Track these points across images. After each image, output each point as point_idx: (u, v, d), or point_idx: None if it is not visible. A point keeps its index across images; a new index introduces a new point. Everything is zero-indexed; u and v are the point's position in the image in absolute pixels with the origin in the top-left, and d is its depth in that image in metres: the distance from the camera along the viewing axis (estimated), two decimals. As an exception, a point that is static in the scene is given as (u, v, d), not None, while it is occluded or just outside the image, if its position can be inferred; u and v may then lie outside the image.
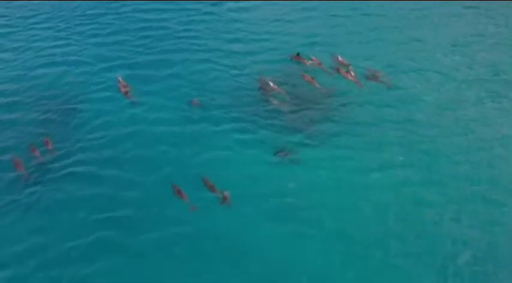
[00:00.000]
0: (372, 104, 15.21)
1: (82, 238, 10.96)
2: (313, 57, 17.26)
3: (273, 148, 13.34)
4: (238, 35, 19.75)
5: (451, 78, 16.50)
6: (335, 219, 11.36)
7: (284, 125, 14.34)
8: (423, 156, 13.18)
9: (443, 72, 16.84)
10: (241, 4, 22.56)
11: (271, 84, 15.89)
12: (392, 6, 21.96)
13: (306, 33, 19.78)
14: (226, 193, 11.68)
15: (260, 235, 11.03)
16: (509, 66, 17.09)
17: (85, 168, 12.94)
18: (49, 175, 12.69)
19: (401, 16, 21.14)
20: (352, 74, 16.19)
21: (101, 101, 15.57)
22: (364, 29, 19.90)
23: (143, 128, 14.30)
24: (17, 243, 10.88)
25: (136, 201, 11.91)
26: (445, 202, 11.79)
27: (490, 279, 10.13)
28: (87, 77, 16.98)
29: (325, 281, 10.18)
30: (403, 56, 17.79)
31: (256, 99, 15.61)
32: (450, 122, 14.43)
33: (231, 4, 22.63)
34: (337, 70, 16.53)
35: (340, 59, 17.11)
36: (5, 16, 21.92)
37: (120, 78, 16.30)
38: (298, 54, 17.54)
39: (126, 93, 15.65)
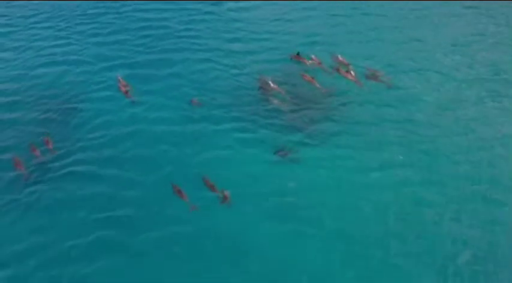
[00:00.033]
0: (372, 103, 15.22)
1: (82, 237, 10.96)
2: (313, 57, 17.27)
3: (273, 148, 13.35)
4: (238, 35, 19.77)
5: (451, 78, 16.51)
6: (335, 218, 11.37)
7: (284, 124, 14.35)
8: (423, 155, 13.19)
9: (444, 71, 16.85)
10: (242, 4, 22.58)
11: (271, 83, 15.89)
12: (392, 6, 21.98)
13: (306, 32, 19.79)
14: (227, 193, 11.69)
15: (260, 235, 11.03)
16: (510, 66, 17.09)
17: (85, 167, 12.94)
18: (49, 174, 12.70)
19: (401, 16, 21.16)
20: (352, 73, 16.20)
21: (102, 101, 15.58)
22: (364, 29, 19.92)
23: (143, 127, 14.31)
24: (17, 243, 10.89)
25: (137, 201, 11.92)
26: (445, 202, 11.80)
27: (491, 279, 10.12)
28: (87, 76, 17.00)
29: (325, 280, 10.17)
30: (403, 56, 17.80)
31: (256, 99, 15.62)
32: (450, 122, 14.44)
33: (231, 4, 22.65)
34: (337, 69, 16.54)
35: (340, 58, 17.12)
36: (5, 16, 21.93)
37: (120, 78, 16.30)
38: (298, 54, 17.55)
39: (126, 92, 15.66)
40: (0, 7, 22.76)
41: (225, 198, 11.64)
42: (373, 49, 18.31)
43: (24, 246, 10.78)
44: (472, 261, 10.42)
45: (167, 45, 18.97)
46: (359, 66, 16.69)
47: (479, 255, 10.55)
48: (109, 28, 20.46)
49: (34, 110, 15.25)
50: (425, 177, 12.50)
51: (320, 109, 14.97)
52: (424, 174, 12.60)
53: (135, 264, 10.43)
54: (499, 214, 11.52)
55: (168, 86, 16.23)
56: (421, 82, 16.29)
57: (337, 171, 12.68)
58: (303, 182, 12.33)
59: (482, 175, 12.61)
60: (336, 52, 17.47)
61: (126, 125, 14.43)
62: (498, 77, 16.52)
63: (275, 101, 15.24)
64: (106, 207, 11.75)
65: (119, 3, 22.70)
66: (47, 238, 10.96)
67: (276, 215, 11.47)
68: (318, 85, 15.77)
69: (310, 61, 17.22)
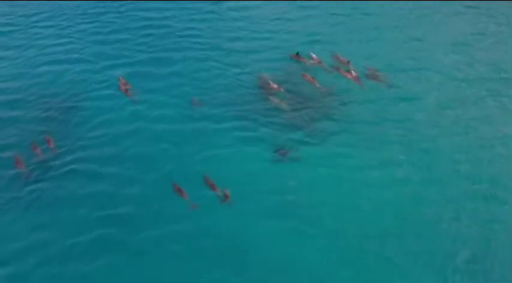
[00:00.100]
0: (372, 102, 15.25)
1: (83, 235, 11.01)
2: (313, 56, 17.29)
3: (274, 146, 13.38)
4: (238, 34, 19.80)
5: (452, 77, 16.54)
6: (335, 217, 11.40)
7: (284, 123, 14.38)
8: (423, 154, 13.22)
9: (444, 71, 16.87)
10: (242, 3, 22.61)
11: (272, 82, 15.92)
12: (392, 5, 22.01)
13: (306, 31, 19.82)
14: (227, 192, 11.71)
15: (260, 233, 11.06)
16: (510, 65, 17.13)
17: (86, 165, 12.98)
18: (50, 172, 12.73)
19: (402, 15, 21.20)
20: (353, 72, 16.22)
21: (102, 99, 15.62)
22: (364, 28, 19.95)
23: (144, 126, 14.35)
24: (18, 241, 10.93)
25: (137, 199, 11.96)
26: (445, 201, 11.84)
27: (490, 278, 10.16)
28: (88, 75, 17.04)
29: (325, 279, 10.20)
30: (403, 55, 17.83)
31: (256, 98, 15.64)
32: (450, 121, 14.47)
33: (231, 3, 22.68)
34: (337, 69, 16.57)
35: (340, 57, 17.14)
36: (7, 15, 21.96)
37: (120, 77, 16.34)
38: (297, 54, 17.57)
39: (127, 91, 15.69)
40: (2, 6, 22.79)
41: (225, 197, 11.67)
42: (373, 48, 18.34)
43: (25, 244, 10.82)
44: (471, 259, 10.47)
45: (168, 44, 19.01)
46: (359, 65, 16.70)
47: (478, 253, 10.59)
48: (110, 27, 20.51)
49: (35, 108, 15.29)
50: (425, 176, 12.54)
51: (320, 108, 15.00)
52: (424, 173, 12.64)
53: (136, 263, 10.47)
54: (499, 213, 11.56)
55: (168, 84, 16.27)
56: (421, 81, 16.31)
57: (337, 170, 12.71)
58: (303, 181, 12.37)
59: (482, 174, 12.65)
60: (336, 51, 17.50)
61: (126, 123, 14.47)
62: (498, 76, 16.55)
63: (275, 100, 15.26)
64: (106, 205, 11.80)
65: (119, 2, 22.75)
66: (47, 236, 11.00)
67: (276, 214, 11.51)
68: (318, 84, 15.79)
69: (310, 60, 17.24)
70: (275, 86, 15.80)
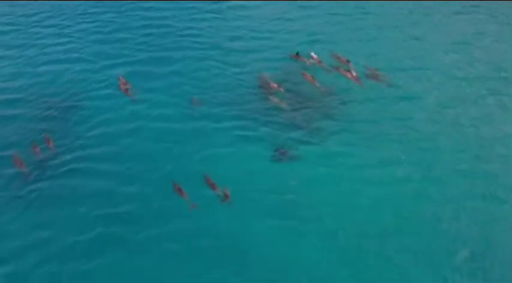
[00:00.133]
0: (372, 102, 15.25)
1: (82, 234, 11.01)
2: (313, 55, 17.29)
3: (273, 146, 13.38)
4: (238, 33, 19.82)
5: (452, 76, 16.54)
6: (335, 216, 11.39)
7: (284, 123, 14.38)
8: (423, 153, 13.21)
9: (444, 70, 16.88)
10: (242, 3, 22.63)
11: (272, 82, 15.92)
12: (392, 5, 22.04)
13: (306, 31, 19.83)
14: (227, 191, 11.71)
15: (260, 233, 11.06)
16: (510, 64, 17.12)
17: (86, 165, 12.99)
18: (50, 172, 12.74)
19: (402, 15, 21.21)
20: (353, 72, 16.22)
21: (102, 99, 15.63)
22: (364, 28, 19.97)
23: (144, 125, 14.35)
24: (18, 239, 10.93)
25: (137, 198, 11.95)
26: (445, 200, 11.84)
27: (489, 276, 10.15)
28: (88, 74, 17.05)
29: (325, 278, 10.19)
30: (404, 55, 17.83)
31: (256, 97, 15.65)
32: (450, 120, 14.47)
33: (231, 3, 22.71)
34: (337, 68, 16.57)
35: (340, 57, 17.14)
36: (7, 15, 21.99)
37: (120, 76, 16.35)
38: (297, 54, 17.57)
39: (126, 90, 15.70)
40: (2, 6, 22.82)
41: (225, 196, 11.66)
42: (373, 48, 18.35)
43: (24, 243, 10.82)
44: (471, 258, 10.46)
45: (168, 43, 19.03)
46: (359, 64, 16.71)
47: (478, 252, 10.58)
48: (110, 27, 20.53)
49: (35, 107, 15.31)
50: (425, 175, 12.54)
51: (320, 107, 15.00)
52: (424, 172, 12.63)
53: (135, 262, 10.47)
54: (499, 212, 11.55)
55: (168, 84, 16.28)
56: (421, 80, 16.32)
57: (337, 169, 12.71)
58: (303, 180, 12.37)
59: (482, 173, 12.64)
60: (336, 51, 17.52)
61: (126, 122, 14.48)
62: (498, 75, 16.56)
63: (275, 99, 15.26)
64: (106, 204, 11.80)
65: (119, 2, 22.76)
66: (47, 235, 11.00)
67: (276, 213, 11.51)
68: (318, 84, 15.79)
69: (310, 60, 17.24)
70: (275, 85, 15.80)
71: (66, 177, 12.57)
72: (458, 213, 11.52)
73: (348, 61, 16.78)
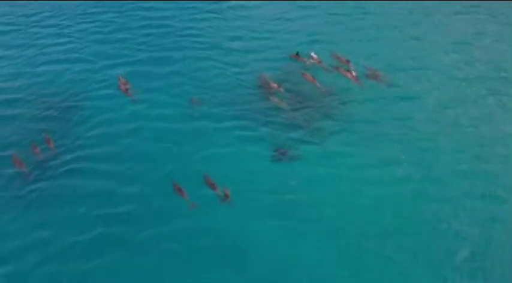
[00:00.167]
0: (372, 102, 15.26)
1: (82, 234, 11.01)
2: (313, 55, 17.30)
3: (274, 146, 13.39)
4: (239, 33, 19.83)
5: (452, 77, 16.55)
6: (334, 216, 11.40)
7: (284, 123, 14.38)
8: (423, 153, 13.22)
9: (444, 70, 16.89)
10: (242, 3, 22.64)
11: (272, 82, 15.93)
12: (392, 5, 22.05)
13: (307, 31, 19.84)
14: (227, 191, 11.70)
15: (260, 233, 11.06)
16: (510, 64, 17.13)
17: (86, 165, 12.99)
18: (50, 172, 12.74)
19: (402, 15, 21.23)
20: (353, 72, 16.22)
21: (102, 99, 15.63)
22: (364, 28, 19.98)
23: (144, 125, 14.35)
24: (18, 239, 10.93)
25: (137, 198, 11.95)
26: (445, 200, 11.84)
27: (489, 276, 10.15)
28: (88, 74, 17.05)
29: (325, 278, 10.19)
30: (403, 55, 17.84)
31: (256, 97, 15.65)
32: (450, 120, 14.47)
33: (231, 3, 22.71)
34: (337, 68, 16.57)
35: (340, 57, 17.14)
36: (7, 15, 21.99)
37: (120, 76, 16.35)
38: (297, 54, 17.58)
39: (126, 91, 15.70)
40: (2, 6, 22.82)
41: (225, 196, 11.66)
42: (373, 48, 18.36)
43: (24, 243, 10.82)
44: (471, 258, 10.47)
45: (168, 43, 19.04)
46: (359, 64, 16.73)
47: (478, 252, 10.59)
48: (110, 27, 20.53)
49: (35, 107, 15.31)
50: (425, 175, 12.54)
51: (320, 107, 15.01)
52: (424, 172, 12.64)
53: (135, 262, 10.47)
54: (498, 212, 11.56)
55: (168, 84, 16.28)
56: (421, 81, 16.33)
57: (337, 169, 12.71)
58: (303, 180, 12.37)
59: (482, 173, 12.65)
60: (336, 51, 17.53)
61: (126, 122, 14.48)
62: (498, 75, 16.57)
63: (275, 99, 15.27)
64: (106, 204, 11.80)
65: (119, 2, 22.77)
66: (47, 235, 11.00)
67: (276, 213, 11.51)
68: (318, 84, 15.80)
69: (310, 60, 17.25)
70: (275, 85, 15.81)
71: (66, 177, 12.57)
72: (458, 212, 11.53)
73: (348, 61, 16.79)
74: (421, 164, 12.90)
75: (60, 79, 16.78)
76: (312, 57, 17.29)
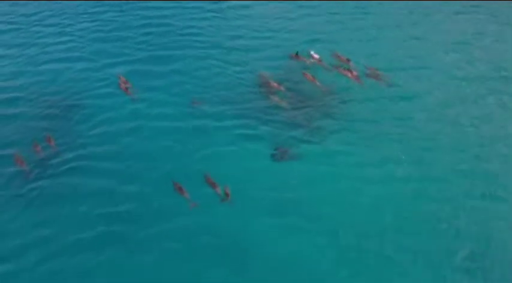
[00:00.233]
0: (372, 101, 15.28)
1: (83, 233, 11.02)
2: (314, 54, 17.31)
3: (274, 145, 13.41)
4: (239, 32, 19.85)
5: (452, 76, 16.57)
6: (334, 215, 11.41)
7: (285, 122, 14.40)
8: (423, 153, 13.23)
9: (444, 70, 16.90)
10: (243, 2, 22.67)
11: (272, 81, 15.94)
12: (392, 5, 22.08)
13: (307, 30, 19.87)
14: (228, 190, 11.72)
15: (260, 232, 11.07)
16: (510, 64, 17.14)
17: (87, 163, 13.00)
18: (51, 170, 12.76)
19: (402, 15, 21.26)
20: (353, 71, 16.24)
21: (103, 97, 15.64)
22: (364, 27, 20.01)
23: (144, 124, 14.37)
24: (19, 238, 10.94)
25: (138, 197, 11.96)
26: (445, 200, 11.85)
27: (488, 276, 10.16)
28: (89, 73, 17.07)
29: (324, 277, 10.20)
30: (404, 54, 17.86)
31: (257, 96, 15.67)
32: (450, 119, 14.49)
33: (232, 2, 22.75)
34: (338, 68, 16.58)
35: (340, 56, 17.16)
36: (9, 14, 22.02)
37: (120, 75, 16.36)
38: (297, 54, 17.58)
39: (127, 89, 15.71)
40: (3, 6, 22.84)
41: (226, 195, 11.67)
42: (373, 47, 18.38)
43: (25, 241, 10.83)
44: (471, 258, 10.48)
45: (168, 42, 19.06)
46: (359, 64, 16.75)
47: (478, 252, 10.60)
48: (110, 26, 20.55)
49: (36, 106, 15.33)
50: (425, 175, 12.56)
51: (320, 106, 15.03)
52: (424, 171, 12.65)
53: (136, 260, 10.48)
54: (498, 212, 11.57)
55: (169, 83, 16.30)
56: (421, 80, 16.34)
57: (337, 168, 12.73)
58: (303, 179, 12.39)
59: (481, 173, 12.66)
60: (337, 50, 17.55)
61: (127, 121, 14.49)
62: (498, 75, 16.59)
63: (276, 98, 15.29)
64: (107, 203, 11.81)
65: (120, 1, 22.82)
66: (48, 234, 11.01)
67: (276, 212, 11.52)
68: (318, 83, 15.81)
69: (310, 59, 17.27)
70: (275, 84, 15.83)
71: (67, 175, 12.59)
72: (458, 212, 11.54)
73: (348, 60, 16.81)
74: (421, 164, 12.91)
75: (61, 78, 16.80)
76: (312, 57, 17.31)
